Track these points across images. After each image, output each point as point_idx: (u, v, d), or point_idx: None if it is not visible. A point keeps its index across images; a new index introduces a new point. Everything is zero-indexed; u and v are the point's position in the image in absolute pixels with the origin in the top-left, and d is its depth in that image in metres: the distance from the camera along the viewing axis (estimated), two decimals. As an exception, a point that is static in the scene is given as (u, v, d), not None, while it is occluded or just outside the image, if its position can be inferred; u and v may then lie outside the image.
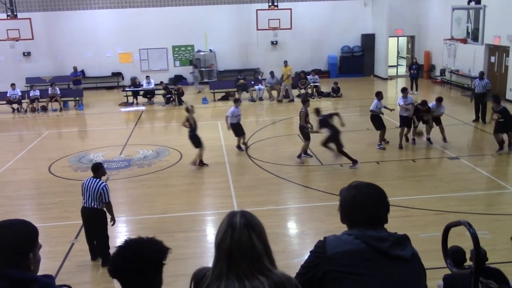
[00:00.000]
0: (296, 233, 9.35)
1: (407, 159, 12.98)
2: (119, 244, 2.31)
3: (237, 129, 13.94)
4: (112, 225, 7.98)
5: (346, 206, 2.46)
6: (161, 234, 8.88)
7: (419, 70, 23.33)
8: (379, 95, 14.18)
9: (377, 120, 14.01)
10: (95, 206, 7.71)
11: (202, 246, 8.49)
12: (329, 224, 8.69)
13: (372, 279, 2.25)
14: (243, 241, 2.12)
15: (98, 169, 7.96)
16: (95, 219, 7.77)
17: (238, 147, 14.04)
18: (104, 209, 7.82)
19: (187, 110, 12.85)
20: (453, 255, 4.86)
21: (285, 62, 22.40)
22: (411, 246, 2.40)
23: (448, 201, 10.19)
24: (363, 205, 2.40)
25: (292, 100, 21.47)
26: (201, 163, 12.73)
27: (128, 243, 2.30)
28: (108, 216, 7.93)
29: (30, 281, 2.10)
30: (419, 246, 8.33)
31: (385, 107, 14.14)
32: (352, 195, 2.45)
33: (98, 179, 7.81)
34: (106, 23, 25.84)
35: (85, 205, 7.78)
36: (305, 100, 13.80)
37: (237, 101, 14.49)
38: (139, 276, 2.24)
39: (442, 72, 24.79)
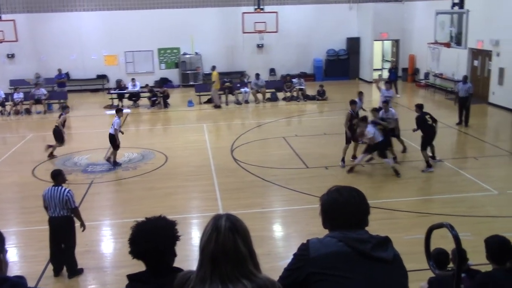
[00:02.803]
0: (281, 236, 9.37)
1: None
2: (135, 229, 2.60)
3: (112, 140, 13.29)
4: (83, 230, 7.82)
5: (328, 209, 2.49)
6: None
7: (397, 73, 23.75)
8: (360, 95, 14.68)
9: None
10: (64, 214, 7.51)
11: (188, 249, 8.45)
12: (313, 227, 8.72)
13: (355, 280, 2.27)
14: (228, 244, 2.13)
15: (58, 176, 7.72)
16: (65, 227, 7.57)
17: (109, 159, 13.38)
18: (72, 215, 7.68)
19: None
20: (436, 257, 4.91)
21: (213, 67, 21.96)
22: (393, 248, 2.43)
23: (431, 203, 10.30)
24: (344, 208, 2.43)
25: (219, 106, 21.04)
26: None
27: (144, 226, 2.60)
28: (77, 222, 7.79)
29: (1, 281, 2.10)
30: (403, 248, 8.33)
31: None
32: (333, 198, 2.48)
33: (60, 187, 7.56)
34: (91, 25, 25.67)
35: (52, 215, 7.54)
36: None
37: (119, 111, 13.81)
38: (160, 253, 2.56)
39: (426, 75, 25.05)
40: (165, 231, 2.62)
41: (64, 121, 14.62)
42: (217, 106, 21.18)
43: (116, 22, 25.61)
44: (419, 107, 12.69)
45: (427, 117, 12.37)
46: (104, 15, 25.66)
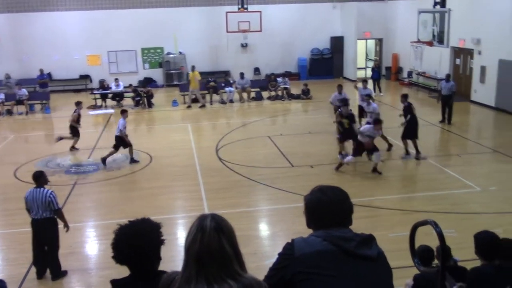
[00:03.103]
0: (268, 235, 9.37)
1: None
2: (118, 233, 2.51)
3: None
4: (66, 231, 7.73)
5: (312, 209, 2.50)
6: (131, 238, 8.84)
7: (380, 72, 23.96)
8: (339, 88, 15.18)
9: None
10: (47, 216, 7.41)
11: (173, 249, 8.41)
12: (299, 225, 8.68)
13: (339, 279, 2.27)
14: (213, 245, 2.11)
15: (39, 178, 7.61)
16: (48, 229, 7.47)
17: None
18: (55, 217, 7.60)
19: None
20: (421, 254, 4.95)
21: (193, 67, 21.88)
22: (377, 245, 2.44)
23: (415, 200, 10.38)
24: (328, 207, 2.44)
25: (204, 106, 21.03)
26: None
27: (127, 230, 2.51)
28: (61, 224, 7.70)
29: None
30: (388, 245, 8.39)
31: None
32: (317, 198, 2.49)
33: (42, 188, 7.46)
34: (74, 25, 25.41)
35: (35, 217, 7.42)
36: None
37: (124, 112, 13.88)
38: (144, 257, 2.49)
39: (410, 74, 25.26)
40: (149, 235, 2.54)
41: (78, 117, 15.11)
42: (202, 106, 21.11)
43: (99, 22, 25.39)
44: (405, 97, 13.50)
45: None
46: (86, 15, 25.43)
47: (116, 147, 13.31)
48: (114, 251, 2.51)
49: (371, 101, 14.11)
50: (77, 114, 15.06)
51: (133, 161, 13.44)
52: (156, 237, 2.56)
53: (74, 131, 14.98)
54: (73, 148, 14.85)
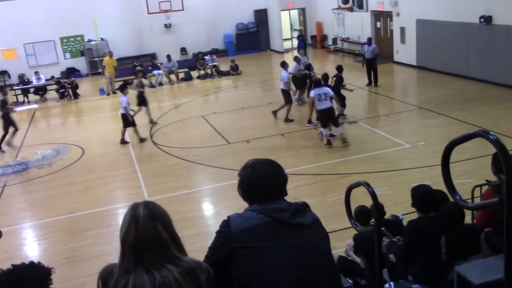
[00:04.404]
0: (211, 214, 9.39)
1: (310, 129, 13.38)
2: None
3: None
4: None
5: (244, 185, 2.52)
6: (71, 235, 8.59)
7: (306, 41, 24.43)
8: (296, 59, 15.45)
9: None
10: None
11: (115, 241, 8.21)
12: (242, 201, 8.79)
13: (277, 249, 2.31)
14: (148, 232, 2.08)
15: None
16: None
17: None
18: None
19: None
20: (358, 215, 5.13)
21: (110, 52, 21.58)
22: (311, 212, 2.49)
23: (351, 163, 10.70)
24: (259, 182, 2.46)
25: (115, 92, 20.43)
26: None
27: (7, 277, 2.16)
28: None
29: None
30: (329, 209, 8.61)
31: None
32: (247, 174, 2.51)
33: None
34: (-18, 19, 23.86)
35: None
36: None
37: (124, 88, 13.76)
38: None
39: (334, 41, 25.74)
40: (35, 284, 2.17)
41: (142, 84, 15.31)
42: (113, 92, 20.48)
43: (10, 13, 23.91)
44: (340, 69, 13.91)
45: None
46: (-5, 7, 23.90)
47: (125, 126, 13.37)
48: None
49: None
50: (139, 81, 15.11)
51: (142, 140, 13.47)
52: (42, 286, 2.20)
53: (143, 100, 15.11)
54: (152, 122, 14.84)
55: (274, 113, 14.32)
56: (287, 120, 14.02)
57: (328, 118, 11.61)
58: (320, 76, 12.55)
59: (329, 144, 11.68)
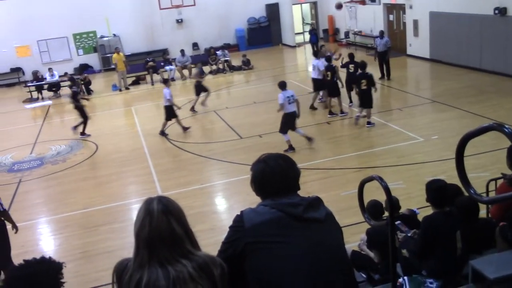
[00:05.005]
0: (224, 209, 9.42)
1: (322, 123, 13.35)
2: (9, 275, 2.21)
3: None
4: (15, 232, 7.49)
5: (256, 180, 2.52)
6: (85, 230, 8.67)
7: (318, 35, 24.27)
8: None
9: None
10: None
11: (129, 236, 8.29)
12: (255, 196, 8.80)
13: (290, 244, 2.30)
14: (162, 227, 2.10)
15: None
16: None
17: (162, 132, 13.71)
18: (2, 218, 7.32)
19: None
20: (371, 209, 5.11)
21: (117, 48, 21.77)
22: (324, 207, 2.48)
23: (364, 157, 10.65)
24: (272, 177, 2.46)
25: (127, 88, 20.93)
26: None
27: (20, 272, 2.19)
28: (9, 225, 7.45)
29: None
30: (341, 203, 8.58)
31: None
32: (260, 168, 2.50)
33: None
34: (-4, 16, 24.08)
35: None
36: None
37: (166, 81, 14.26)
38: None
39: (346, 34, 25.59)
40: (46, 279, 2.20)
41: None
42: (126, 88, 20.89)
43: (24, 11, 24.10)
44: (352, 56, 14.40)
45: (350, 66, 14.14)
46: (10, 4, 24.05)
47: (167, 118, 13.50)
48: None
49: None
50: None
51: (185, 129, 13.67)
52: (53, 281, 2.23)
53: (200, 89, 15.59)
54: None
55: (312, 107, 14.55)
56: (313, 107, 14.39)
57: (293, 121, 11.31)
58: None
59: (291, 149, 11.27)
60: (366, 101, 12.45)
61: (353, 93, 14.02)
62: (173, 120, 13.64)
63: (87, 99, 16.18)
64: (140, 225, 2.12)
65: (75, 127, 14.40)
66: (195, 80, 16.10)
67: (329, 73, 13.63)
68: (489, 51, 16.23)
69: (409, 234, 4.66)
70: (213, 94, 18.52)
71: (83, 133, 14.37)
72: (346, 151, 11.14)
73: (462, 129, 5.45)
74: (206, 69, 22.29)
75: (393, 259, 3.31)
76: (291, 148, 11.27)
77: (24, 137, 15.05)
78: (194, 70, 16.73)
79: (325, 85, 14.01)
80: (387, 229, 3.95)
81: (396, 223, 4.71)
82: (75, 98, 14.41)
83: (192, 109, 15.78)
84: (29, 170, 12.22)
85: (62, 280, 2.25)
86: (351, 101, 14.43)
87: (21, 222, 8.44)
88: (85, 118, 14.38)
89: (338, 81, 13.69)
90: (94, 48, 25.83)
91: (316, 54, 14.97)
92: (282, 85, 11.23)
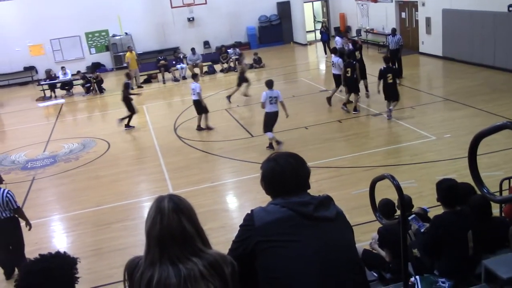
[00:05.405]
0: (235, 207, 9.42)
1: (333, 121, 13.31)
2: (23, 270, 2.21)
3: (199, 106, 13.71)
4: (29, 229, 7.56)
5: (267, 178, 2.51)
6: (97, 227, 8.73)
7: (329, 34, 24.19)
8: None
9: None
10: (7, 215, 7.18)
11: (141, 233, 8.31)
12: (265, 194, 8.80)
13: (301, 243, 2.30)
14: (173, 225, 2.10)
15: None
16: (10, 228, 7.26)
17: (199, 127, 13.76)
18: (16, 215, 7.41)
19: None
20: (382, 208, 5.08)
21: (129, 47, 21.82)
22: (335, 205, 2.48)
23: (375, 156, 10.60)
24: (282, 175, 2.45)
25: (140, 86, 20.92)
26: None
27: (34, 267, 2.19)
28: (23, 222, 7.53)
29: None
30: (352, 202, 8.55)
31: None
32: (270, 167, 2.50)
33: None
34: (10, 16, 24.30)
35: None
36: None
37: (195, 76, 14.19)
38: None
39: (358, 32, 25.47)
40: (60, 273, 2.19)
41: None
42: (139, 86, 20.88)
43: (37, 10, 24.33)
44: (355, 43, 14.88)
45: (356, 53, 14.78)
46: (23, 4, 24.30)
47: (199, 112, 13.61)
48: (17, 284, 2.20)
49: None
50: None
51: (208, 128, 13.66)
52: (68, 276, 2.22)
53: (243, 80, 16.10)
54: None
55: (328, 100, 14.71)
56: (329, 100, 14.59)
57: (274, 121, 11.37)
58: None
59: (271, 147, 11.41)
60: (392, 95, 12.77)
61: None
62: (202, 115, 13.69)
63: (139, 94, 16.60)
64: (151, 223, 2.13)
65: (121, 119, 14.73)
66: (239, 69, 16.51)
67: (348, 69, 13.66)
68: (502, 48, 16.06)
69: (422, 230, 4.63)
70: (224, 93, 18.55)
71: (128, 125, 14.69)
72: (357, 150, 11.09)
73: (475, 128, 5.40)
74: (217, 67, 22.37)
75: (404, 258, 3.29)
76: (271, 146, 11.39)
77: (37, 135, 15.18)
78: (243, 62, 17.71)
79: (345, 81, 14.08)
80: (399, 228, 3.93)
81: (410, 217, 4.69)
82: (126, 90, 14.75)
83: (229, 97, 16.12)
84: (42, 168, 12.33)
85: (77, 275, 2.25)
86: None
87: (35, 220, 8.51)
88: (132, 111, 14.67)
89: (356, 77, 13.70)
90: (106, 47, 25.98)
91: (335, 51, 15.02)
92: (269, 84, 11.31)
